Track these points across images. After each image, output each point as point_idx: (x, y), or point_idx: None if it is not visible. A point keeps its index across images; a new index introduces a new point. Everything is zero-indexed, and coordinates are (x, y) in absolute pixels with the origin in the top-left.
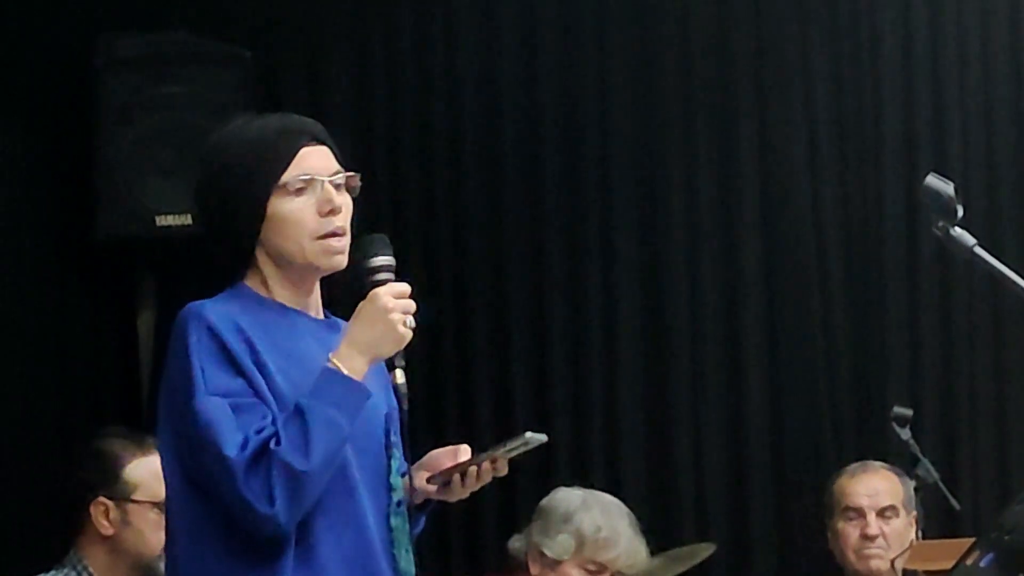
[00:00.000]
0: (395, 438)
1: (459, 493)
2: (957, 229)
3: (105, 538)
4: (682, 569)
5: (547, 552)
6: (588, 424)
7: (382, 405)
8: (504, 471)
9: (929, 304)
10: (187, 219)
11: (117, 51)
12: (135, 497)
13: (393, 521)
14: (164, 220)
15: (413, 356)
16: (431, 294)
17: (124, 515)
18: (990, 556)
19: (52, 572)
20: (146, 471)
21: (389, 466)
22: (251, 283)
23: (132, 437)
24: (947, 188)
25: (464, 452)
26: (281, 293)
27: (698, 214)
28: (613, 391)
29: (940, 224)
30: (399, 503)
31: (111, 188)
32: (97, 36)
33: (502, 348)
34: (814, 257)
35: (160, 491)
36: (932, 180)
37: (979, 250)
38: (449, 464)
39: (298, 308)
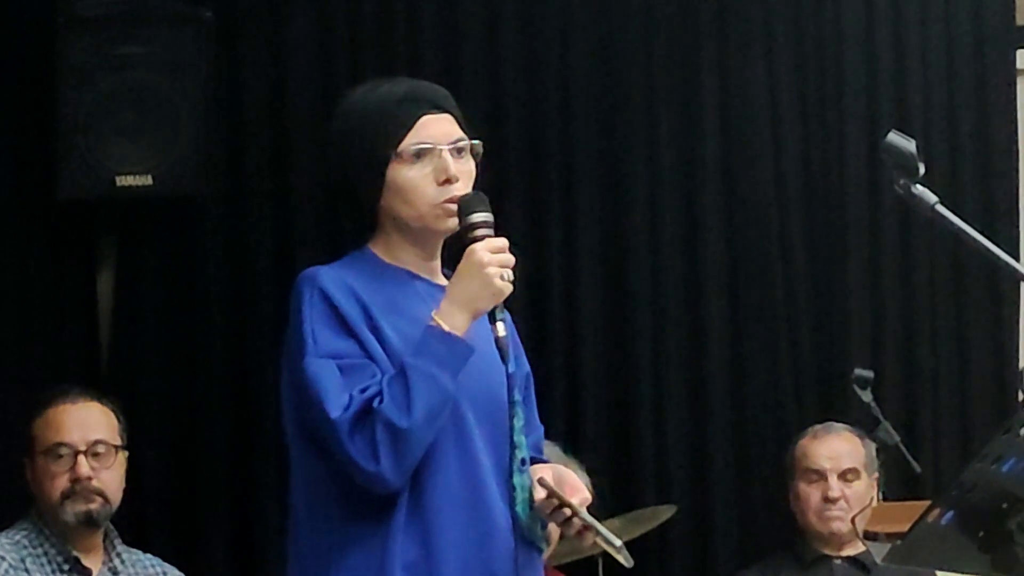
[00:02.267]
0: (519, 396)
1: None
2: (919, 187)
3: (34, 496)
4: (643, 531)
5: None
6: (549, 385)
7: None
8: (586, 542)
9: (890, 264)
10: (148, 179)
11: (77, 10)
12: (35, 450)
13: (516, 479)
14: (124, 180)
15: None
16: None
17: (33, 470)
18: (950, 514)
19: (15, 527)
20: (42, 424)
21: (512, 424)
22: (374, 247)
23: (49, 394)
24: (909, 145)
25: (581, 496)
26: (403, 257)
27: (659, 173)
28: (574, 354)
29: (902, 182)
30: (523, 461)
31: (71, 148)
32: None
33: None
34: (776, 218)
35: (49, 438)
36: (893, 137)
37: (940, 208)
38: (566, 491)
39: (419, 272)
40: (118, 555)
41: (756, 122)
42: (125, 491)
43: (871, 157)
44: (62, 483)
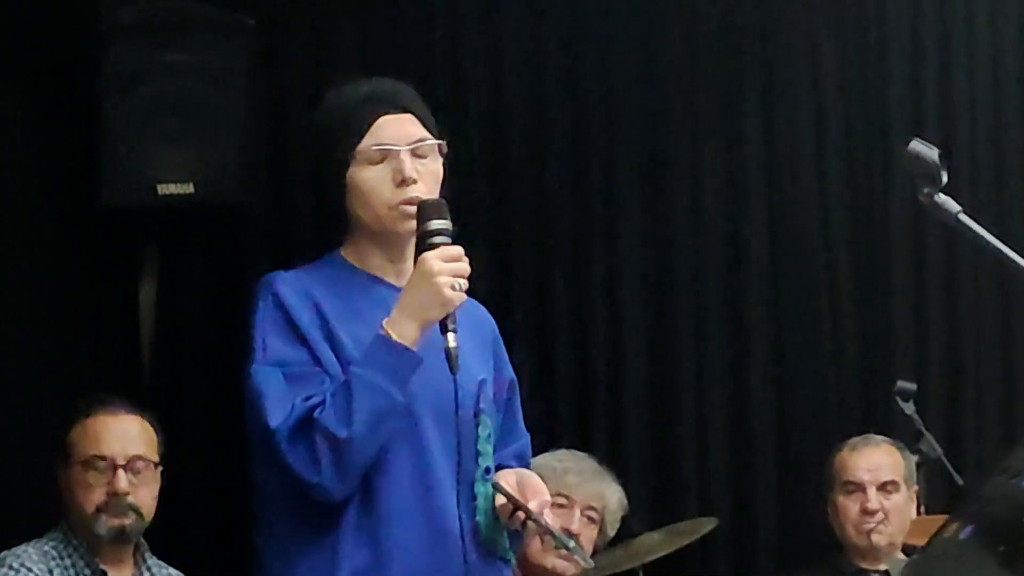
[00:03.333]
0: (484, 405)
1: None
2: (941, 196)
3: (65, 503)
4: (684, 543)
5: None
6: (591, 398)
7: (477, 372)
8: (542, 546)
9: (935, 278)
10: (190, 188)
11: (120, 18)
12: (71, 459)
13: (478, 487)
14: (166, 189)
15: None
16: None
17: (67, 478)
18: (970, 529)
19: (45, 537)
20: (81, 433)
21: (477, 433)
22: (345, 251)
23: (87, 401)
24: (931, 153)
25: (540, 500)
26: (371, 261)
27: (703, 191)
28: (616, 365)
29: (925, 191)
30: (487, 470)
31: (113, 156)
32: (100, 3)
33: (504, 326)
34: (819, 231)
35: (87, 449)
36: (916, 145)
37: (963, 217)
38: (522, 495)
39: (386, 276)
40: (148, 569)
41: (800, 137)
42: (164, 502)
43: None
44: (98, 496)
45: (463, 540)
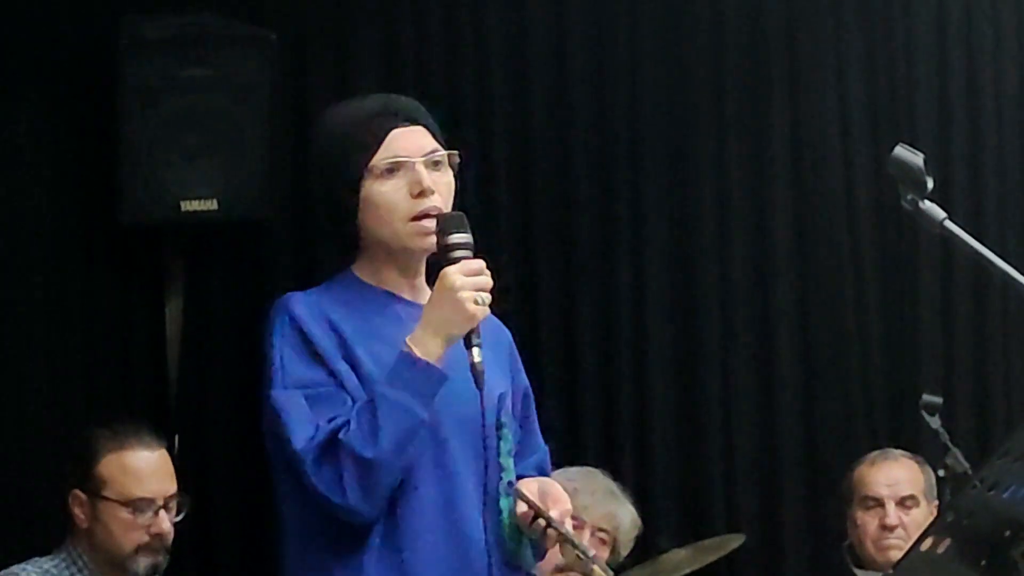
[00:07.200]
0: (506, 418)
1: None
2: (926, 202)
3: (83, 530)
4: (711, 560)
5: None
6: (617, 413)
7: (497, 385)
8: (564, 554)
9: (963, 290)
10: (213, 204)
11: (142, 33)
12: (104, 493)
13: (502, 502)
14: (190, 205)
15: None
16: None
17: (95, 510)
18: (948, 542)
19: (50, 556)
20: (117, 468)
21: (499, 447)
22: (358, 269)
23: (116, 430)
24: (916, 160)
25: (561, 508)
26: (386, 277)
27: (729, 195)
28: (642, 380)
29: (909, 197)
30: (509, 484)
31: (135, 172)
32: (121, 18)
33: (529, 338)
34: (847, 240)
35: (132, 489)
36: (901, 151)
37: (949, 224)
38: (544, 504)
39: (401, 293)
40: None
41: (827, 141)
42: (195, 523)
43: (943, 175)
44: (140, 536)
45: (489, 556)
